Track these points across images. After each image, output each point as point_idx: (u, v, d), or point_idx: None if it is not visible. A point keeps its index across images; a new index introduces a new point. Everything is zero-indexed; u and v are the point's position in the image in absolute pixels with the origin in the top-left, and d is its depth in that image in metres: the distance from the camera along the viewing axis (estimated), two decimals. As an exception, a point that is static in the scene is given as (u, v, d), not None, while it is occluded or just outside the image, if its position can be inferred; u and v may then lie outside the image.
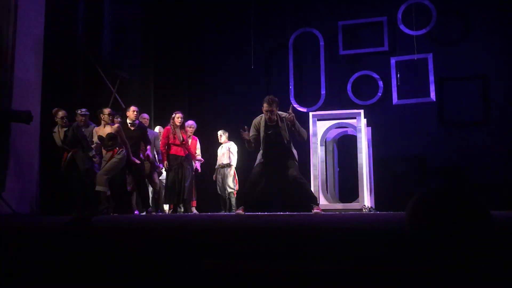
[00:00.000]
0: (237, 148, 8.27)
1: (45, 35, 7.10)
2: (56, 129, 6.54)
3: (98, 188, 6.27)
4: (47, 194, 6.97)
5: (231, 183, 8.17)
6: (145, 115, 7.83)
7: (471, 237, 1.28)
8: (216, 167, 8.30)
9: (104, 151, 6.55)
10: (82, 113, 6.74)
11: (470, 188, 7.30)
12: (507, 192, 7.37)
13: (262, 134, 5.61)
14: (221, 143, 8.30)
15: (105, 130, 6.52)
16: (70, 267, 2.37)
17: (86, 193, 6.55)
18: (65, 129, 6.47)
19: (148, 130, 7.59)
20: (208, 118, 8.17)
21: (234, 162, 8.24)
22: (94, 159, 6.57)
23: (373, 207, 7.33)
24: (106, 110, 6.60)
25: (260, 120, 5.66)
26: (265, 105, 5.51)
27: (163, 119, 8.72)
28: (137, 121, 7.02)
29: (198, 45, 9.88)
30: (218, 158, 8.28)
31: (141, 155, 6.94)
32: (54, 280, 2.39)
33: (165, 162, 7.19)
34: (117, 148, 6.49)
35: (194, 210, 7.63)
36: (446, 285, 1.30)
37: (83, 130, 6.66)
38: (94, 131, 6.69)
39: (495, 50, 8.11)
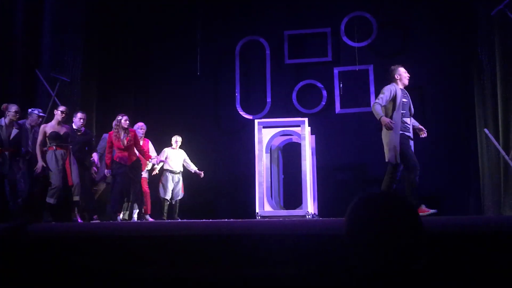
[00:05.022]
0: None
1: (-20, 37, 6.81)
2: (2, 123, 6.29)
3: (76, 198, 6.51)
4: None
5: (181, 189, 8.10)
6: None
7: (403, 239, 1.34)
8: (160, 170, 8.00)
9: (52, 148, 6.42)
10: (40, 114, 6.86)
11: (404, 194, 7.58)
12: (441, 199, 7.74)
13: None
14: (174, 148, 8.17)
15: (60, 128, 6.48)
16: (4, 276, 2.26)
17: (29, 199, 6.45)
18: (14, 127, 6.30)
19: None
20: (153, 124, 8.04)
21: (193, 168, 8.16)
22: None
23: (316, 213, 7.48)
24: (62, 108, 6.59)
25: (395, 88, 5.74)
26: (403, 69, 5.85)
27: (106, 123, 8.49)
28: (83, 129, 6.90)
29: (144, 49, 9.73)
30: (169, 163, 8.06)
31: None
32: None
33: (107, 171, 6.95)
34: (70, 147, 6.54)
35: (148, 217, 7.39)
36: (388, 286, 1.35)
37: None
38: (43, 128, 6.49)
39: (431, 62, 8.50)
